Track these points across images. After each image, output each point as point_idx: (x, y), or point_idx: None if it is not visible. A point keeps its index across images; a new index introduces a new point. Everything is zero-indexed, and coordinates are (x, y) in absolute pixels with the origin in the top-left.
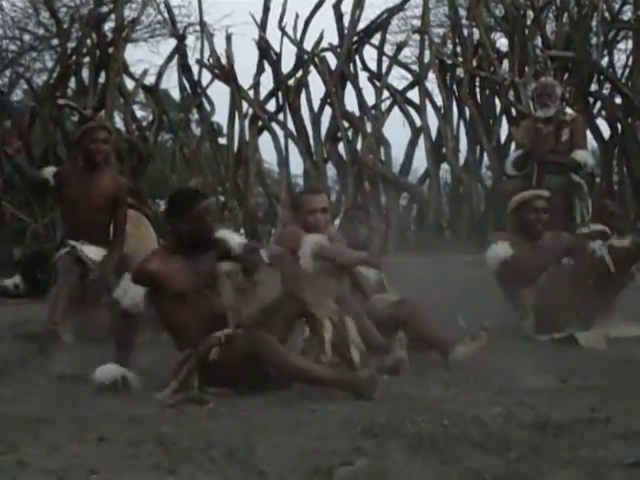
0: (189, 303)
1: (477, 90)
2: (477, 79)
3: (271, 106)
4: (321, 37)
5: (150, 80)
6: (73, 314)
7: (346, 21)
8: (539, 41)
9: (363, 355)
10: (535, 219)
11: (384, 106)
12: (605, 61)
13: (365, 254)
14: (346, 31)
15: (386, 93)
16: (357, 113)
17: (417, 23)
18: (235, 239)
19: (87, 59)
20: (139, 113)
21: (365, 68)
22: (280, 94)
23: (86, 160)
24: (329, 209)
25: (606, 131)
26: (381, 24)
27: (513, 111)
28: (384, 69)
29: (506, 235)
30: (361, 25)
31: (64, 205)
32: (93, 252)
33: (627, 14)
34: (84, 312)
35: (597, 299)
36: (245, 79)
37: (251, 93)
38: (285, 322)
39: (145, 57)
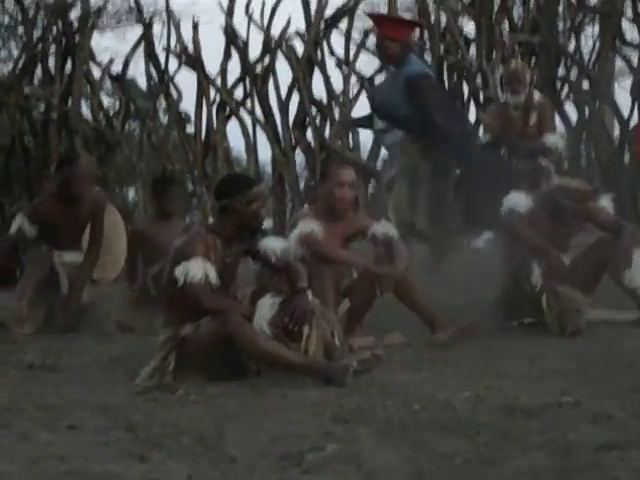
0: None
1: (445, 75)
2: (445, 64)
3: (239, 93)
4: (288, 23)
5: (117, 68)
6: (37, 307)
7: (313, 7)
8: (506, 26)
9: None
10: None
11: (352, 92)
12: (572, 46)
13: (366, 263)
14: (313, 17)
15: (354, 79)
16: (325, 99)
17: (384, 9)
18: (278, 248)
19: (53, 47)
20: (106, 101)
21: (332, 54)
22: (247, 81)
23: (65, 190)
24: (356, 186)
25: (573, 116)
26: (348, 10)
27: (481, 96)
28: (351, 55)
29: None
30: (328, 11)
31: (43, 230)
32: (69, 257)
33: None
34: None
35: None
36: (212, 66)
37: (218, 80)
38: None
39: (111, 45)
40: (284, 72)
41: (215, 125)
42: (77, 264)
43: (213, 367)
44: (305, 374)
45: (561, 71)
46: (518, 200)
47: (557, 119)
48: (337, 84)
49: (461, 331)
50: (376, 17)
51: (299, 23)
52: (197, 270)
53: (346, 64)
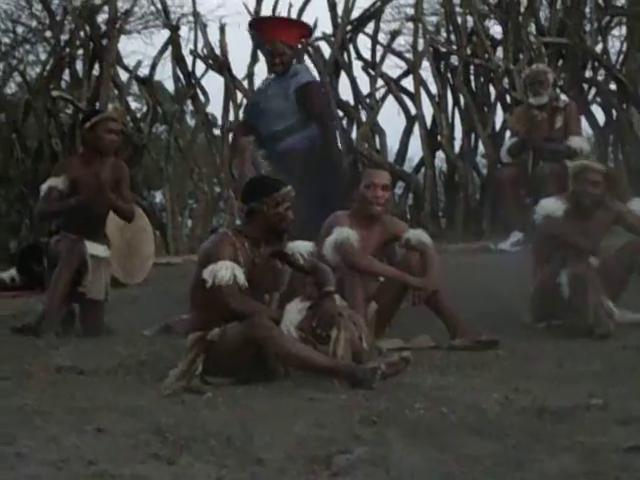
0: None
1: (471, 78)
2: (471, 67)
3: None
4: (315, 26)
5: (144, 71)
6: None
7: (339, 10)
8: (533, 28)
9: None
10: (582, 191)
11: (379, 95)
12: (599, 47)
13: (400, 274)
14: (339, 20)
15: (380, 82)
16: (352, 102)
17: (411, 11)
18: (305, 250)
19: (81, 51)
20: (133, 105)
21: (359, 57)
22: None
23: (94, 149)
24: (390, 189)
25: (601, 118)
26: (375, 13)
27: (508, 98)
28: (378, 58)
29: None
30: (355, 14)
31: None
32: (94, 249)
33: (620, 0)
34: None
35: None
36: (239, 69)
37: (245, 83)
38: None
39: (139, 48)
40: None
41: None
42: (99, 258)
43: (241, 370)
44: (333, 377)
45: (588, 73)
46: (552, 206)
47: (584, 121)
48: (364, 87)
49: (479, 343)
50: (271, 21)
51: (325, 26)
52: (225, 272)
53: (373, 67)
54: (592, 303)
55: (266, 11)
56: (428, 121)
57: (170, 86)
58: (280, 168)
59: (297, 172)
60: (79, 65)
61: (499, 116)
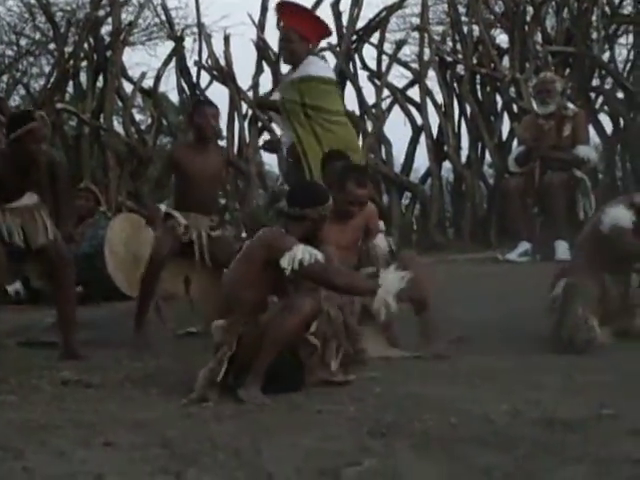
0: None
1: (478, 87)
2: (478, 76)
3: None
4: None
5: (148, 83)
6: None
7: (345, 20)
8: (539, 37)
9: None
10: None
11: (384, 105)
12: (606, 56)
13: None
14: (345, 30)
15: (386, 92)
16: (357, 112)
17: (416, 21)
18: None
19: (85, 63)
20: (138, 117)
21: (365, 67)
22: None
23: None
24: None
25: (608, 126)
26: (380, 22)
27: (514, 107)
28: (384, 68)
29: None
30: (360, 24)
31: None
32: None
33: (627, 8)
34: None
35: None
36: (244, 80)
37: (250, 94)
38: None
39: (143, 60)
40: None
41: (247, 139)
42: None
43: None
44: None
45: (595, 82)
46: (621, 215)
47: (591, 130)
48: (369, 97)
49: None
50: None
51: (331, 36)
52: (307, 253)
53: (378, 77)
54: (575, 315)
55: (271, 21)
56: (434, 131)
57: (175, 97)
58: None
59: None
60: (83, 77)
61: (506, 125)
